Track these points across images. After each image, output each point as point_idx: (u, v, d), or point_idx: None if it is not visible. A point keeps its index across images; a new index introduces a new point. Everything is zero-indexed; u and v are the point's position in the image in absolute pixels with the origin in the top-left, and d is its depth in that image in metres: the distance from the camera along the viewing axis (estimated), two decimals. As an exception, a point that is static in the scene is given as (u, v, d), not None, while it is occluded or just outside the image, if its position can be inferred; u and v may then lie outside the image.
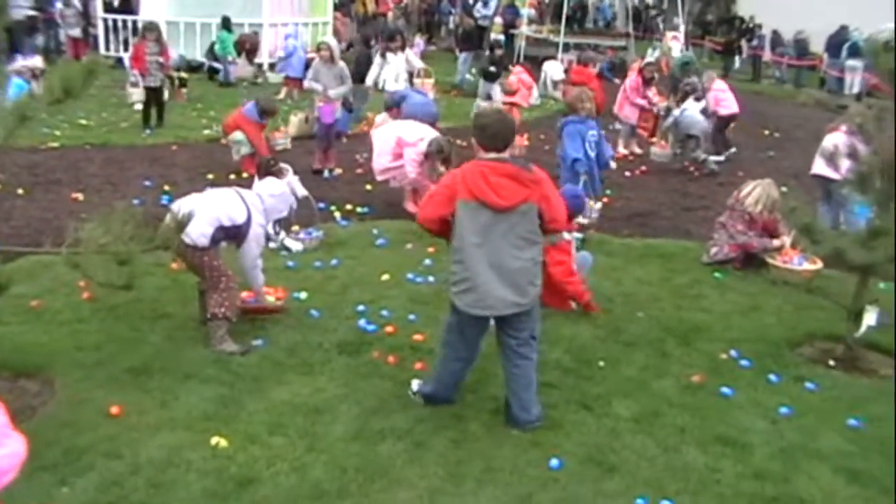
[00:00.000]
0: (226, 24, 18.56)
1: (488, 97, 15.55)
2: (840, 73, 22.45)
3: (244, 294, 6.06)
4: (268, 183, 6.11)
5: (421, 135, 8.66)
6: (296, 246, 7.59)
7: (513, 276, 4.44)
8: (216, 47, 18.47)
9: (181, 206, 5.35)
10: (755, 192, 7.61)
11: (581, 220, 7.18)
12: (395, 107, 10.07)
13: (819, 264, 6.73)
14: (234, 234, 5.55)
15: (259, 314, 6.02)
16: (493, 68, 16.02)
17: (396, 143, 8.71)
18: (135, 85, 13.74)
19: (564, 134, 8.17)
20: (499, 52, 16.63)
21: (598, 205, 8.30)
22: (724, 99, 12.78)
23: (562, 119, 8.53)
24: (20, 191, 9.22)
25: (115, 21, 20.20)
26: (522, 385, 4.70)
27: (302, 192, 7.20)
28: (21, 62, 13.54)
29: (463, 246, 4.45)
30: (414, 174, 8.69)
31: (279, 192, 5.99)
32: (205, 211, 5.38)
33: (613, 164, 9.18)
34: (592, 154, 8.13)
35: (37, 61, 14.20)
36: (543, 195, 4.49)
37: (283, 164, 7.38)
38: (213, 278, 5.45)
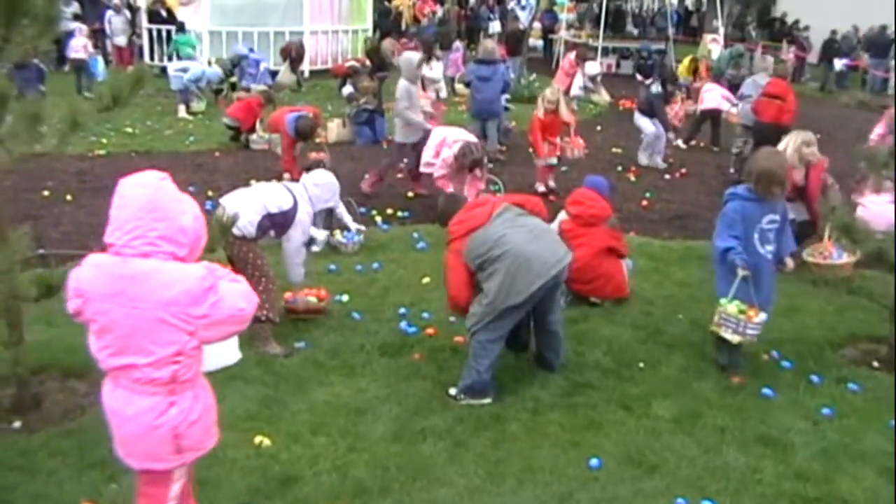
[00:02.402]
0: (180, 27, 18.92)
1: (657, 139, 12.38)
2: (885, 73, 22.13)
3: (287, 294, 6.15)
4: (314, 174, 6.22)
5: (460, 139, 8.74)
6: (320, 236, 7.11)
7: None
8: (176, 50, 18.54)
9: (227, 202, 5.46)
10: (788, 149, 7.11)
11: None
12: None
13: (858, 254, 6.58)
14: (280, 223, 5.64)
15: (302, 315, 6.12)
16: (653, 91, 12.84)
17: (441, 142, 8.82)
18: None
19: (723, 211, 5.52)
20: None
21: (763, 316, 5.32)
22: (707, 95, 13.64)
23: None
24: (69, 197, 9.43)
25: (159, 31, 20.55)
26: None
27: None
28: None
29: None
30: (438, 174, 8.84)
31: (324, 181, 6.09)
32: (251, 201, 5.53)
33: (791, 263, 5.67)
34: (764, 250, 5.46)
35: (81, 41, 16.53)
36: None
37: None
38: (253, 276, 5.45)
